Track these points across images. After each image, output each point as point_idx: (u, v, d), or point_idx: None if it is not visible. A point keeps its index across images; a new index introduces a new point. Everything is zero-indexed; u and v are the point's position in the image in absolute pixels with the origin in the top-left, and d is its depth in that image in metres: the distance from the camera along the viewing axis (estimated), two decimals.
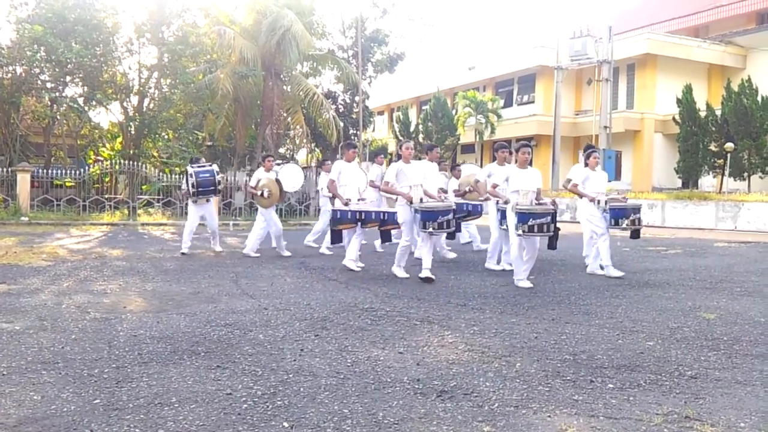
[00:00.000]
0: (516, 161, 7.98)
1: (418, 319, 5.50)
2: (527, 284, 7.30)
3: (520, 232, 7.22)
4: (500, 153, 8.92)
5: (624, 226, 8.30)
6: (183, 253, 10.31)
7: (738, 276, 8.27)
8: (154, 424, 3.08)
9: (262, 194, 10.26)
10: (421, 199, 7.90)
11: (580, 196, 8.61)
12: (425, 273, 7.65)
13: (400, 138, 36.89)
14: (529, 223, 7.15)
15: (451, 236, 9.21)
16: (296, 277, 7.99)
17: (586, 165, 8.62)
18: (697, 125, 25.19)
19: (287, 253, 10.39)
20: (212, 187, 10.38)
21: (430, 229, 7.52)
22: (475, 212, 10.59)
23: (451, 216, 7.73)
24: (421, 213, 7.56)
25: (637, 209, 8.47)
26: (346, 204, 8.40)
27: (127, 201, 19.77)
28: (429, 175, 8.50)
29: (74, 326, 5.07)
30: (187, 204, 12.59)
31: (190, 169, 10.38)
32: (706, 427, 3.10)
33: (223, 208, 21.24)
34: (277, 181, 10.49)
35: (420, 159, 9.48)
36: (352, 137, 28.93)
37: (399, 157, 8.22)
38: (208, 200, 10.68)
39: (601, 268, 8.35)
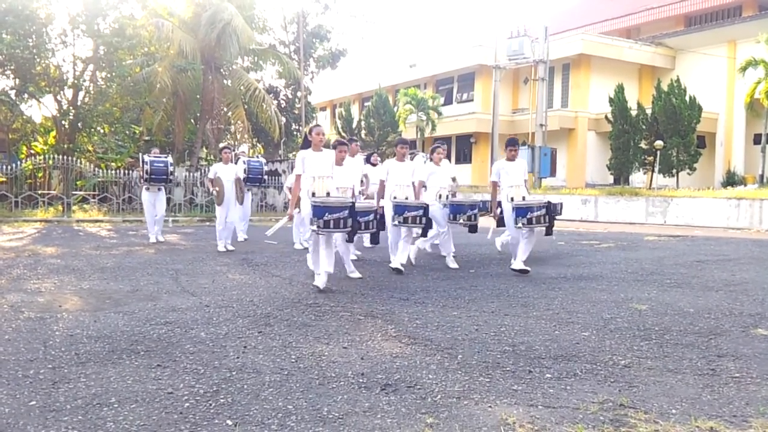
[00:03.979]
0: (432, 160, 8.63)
1: (362, 314, 5.54)
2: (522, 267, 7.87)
3: (520, 224, 7.73)
4: (398, 149, 8.78)
5: (461, 222, 8.64)
6: (152, 242, 11.37)
7: (668, 268, 8.61)
8: (93, 425, 3.02)
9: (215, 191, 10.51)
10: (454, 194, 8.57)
11: (416, 195, 8.46)
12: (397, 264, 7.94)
13: (343, 134, 36.84)
14: (528, 216, 7.68)
15: (473, 230, 8.94)
16: (239, 274, 7.91)
17: (431, 160, 8.83)
18: (629, 124, 26.03)
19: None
20: (164, 176, 11.34)
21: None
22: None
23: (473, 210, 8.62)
24: (450, 207, 8.33)
25: (474, 206, 8.78)
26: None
27: (61, 197, 19.12)
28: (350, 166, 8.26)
29: (7, 326, 4.90)
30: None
31: (145, 158, 11.33)
32: (639, 414, 3.23)
33: None
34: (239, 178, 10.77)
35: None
36: (294, 133, 28.77)
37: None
38: (159, 189, 11.63)
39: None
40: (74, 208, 18.85)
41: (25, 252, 9.84)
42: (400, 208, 7.83)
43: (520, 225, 7.74)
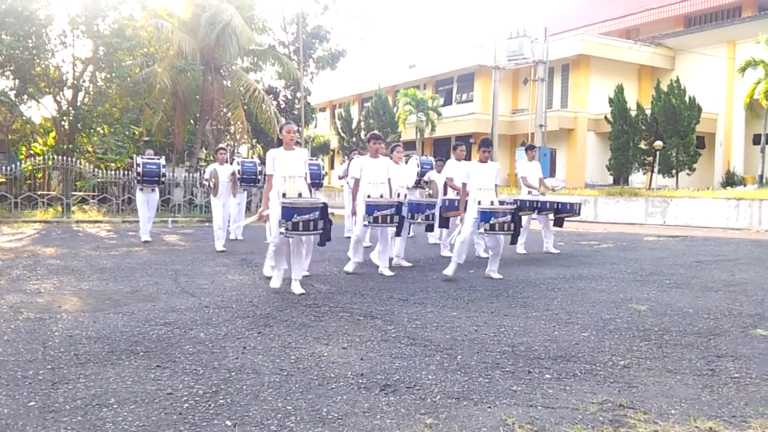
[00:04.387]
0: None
1: (362, 314, 5.54)
2: (449, 273, 7.62)
3: (482, 230, 7.41)
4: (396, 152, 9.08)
5: (419, 221, 8.68)
6: (145, 241, 11.59)
7: (667, 269, 8.61)
8: (93, 426, 3.02)
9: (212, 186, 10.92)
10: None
11: (353, 195, 8.46)
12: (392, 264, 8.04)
13: (343, 134, 36.89)
14: (491, 222, 7.34)
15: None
16: (238, 275, 7.91)
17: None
18: (628, 124, 26.01)
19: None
20: (156, 178, 11.67)
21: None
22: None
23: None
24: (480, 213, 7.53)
25: (432, 205, 8.95)
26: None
27: (60, 198, 19.09)
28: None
29: (7, 327, 4.90)
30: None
31: (138, 159, 11.70)
32: (639, 415, 3.23)
33: (162, 205, 20.77)
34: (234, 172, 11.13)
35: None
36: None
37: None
38: (153, 189, 11.96)
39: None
40: (74, 208, 18.83)
41: (25, 253, 9.84)
42: (370, 208, 7.64)
43: (482, 230, 7.42)
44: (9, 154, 21.56)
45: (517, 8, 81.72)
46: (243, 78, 23.78)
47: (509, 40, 28.32)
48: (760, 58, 24.75)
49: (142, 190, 11.82)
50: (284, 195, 6.50)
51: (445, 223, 9.67)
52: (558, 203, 10.38)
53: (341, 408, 3.29)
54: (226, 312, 5.58)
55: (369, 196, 7.81)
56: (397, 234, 8.24)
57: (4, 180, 18.90)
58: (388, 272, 7.91)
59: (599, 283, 7.38)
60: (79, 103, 20.38)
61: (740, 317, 5.51)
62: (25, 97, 19.88)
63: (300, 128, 27.35)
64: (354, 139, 35.62)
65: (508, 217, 7.39)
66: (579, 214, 10.86)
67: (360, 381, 3.72)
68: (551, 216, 10.52)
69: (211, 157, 24.25)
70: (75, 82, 20.32)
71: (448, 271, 7.64)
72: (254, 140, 28.48)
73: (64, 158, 19.21)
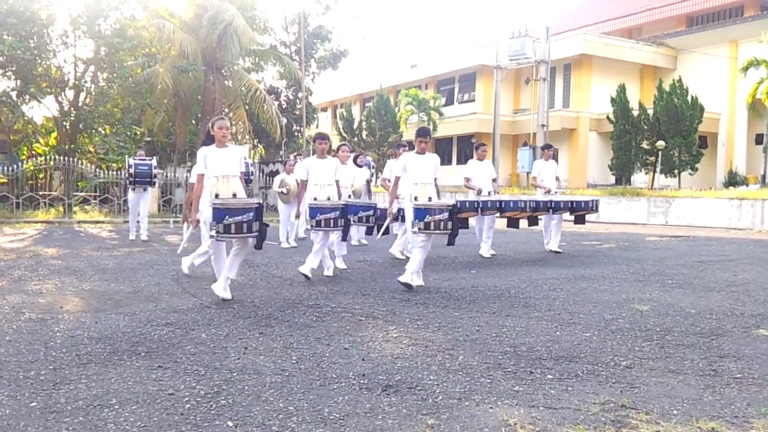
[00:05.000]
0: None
1: (363, 314, 5.53)
2: (407, 280, 6.78)
3: (416, 229, 6.76)
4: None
5: (353, 221, 8.15)
6: (131, 240, 11.96)
7: (669, 269, 8.60)
8: (94, 426, 3.01)
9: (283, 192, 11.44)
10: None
11: (298, 197, 8.08)
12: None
13: (344, 135, 36.86)
14: (426, 220, 6.70)
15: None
16: (239, 275, 7.89)
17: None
18: (630, 124, 26.01)
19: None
20: (148, 179, 12.05)
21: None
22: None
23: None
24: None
25: (369, 208, 8.35)
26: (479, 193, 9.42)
27: (62, 198, 19.15)
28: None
29: (8, 327, 4.90)
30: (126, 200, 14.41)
31: (130, 161, 12.10)
32: (641, 415, 3.22)
33: (163, 205, 20.80)
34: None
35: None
36: (295, 134, 28.77)
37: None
38: (144, 189, 12.24)
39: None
40: (75, 209, 18.87)
41: (27, 253, 9.85)
42: (313, 211, 7.22)
43: (415, 229, 6.76)
44: (11, 154, 21.60)
45: (518, 8, 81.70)
46: (244, 78, 23.81)
47: (511, 39, 28.31)
48: (763, 57, 24.73)
49: (134, 190, 12.15)
50: (217, 196, 6.05)
51: (464, 224, 9.52)
52: (573, 202, 10.38)
53: (343, 408, 3.29)
54: (228, 312, 5.58)
55: (315, 199, 7.38)
56: (343, 238, 7.76)
57: (6, 180, 18.95)
58: (342, 265, 7.76)
59: (601, 283, 7.37)
60: (80, 104, 20.42)
61: (743, 317, 5.50)
62: (27, 97, 19.94)
63: (301, 128, 27.37)
64: (356, 139, 35.61)
65: (445, 215, 6.74)
66: (597, 210, 10.92)
67: (362, 381, 3.71)
68: (568, 215, 10.55)
69: None
70: (76, 82, 20.36)
71: (404, 278, 6.78)
72: (256, 140, 28.51)
73: (66, 159, 19.24)
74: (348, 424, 3.08)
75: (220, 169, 6.16)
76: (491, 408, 3.32)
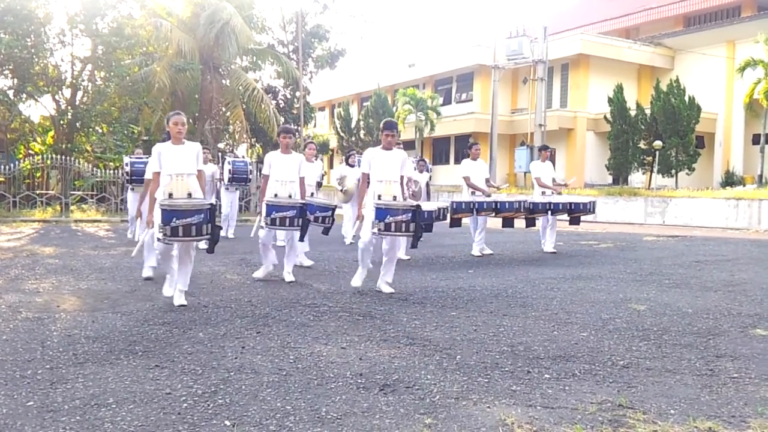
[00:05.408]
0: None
1: (361, 314, 5.53)
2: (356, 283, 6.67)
3: (376, 230, 6.38)
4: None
5: (311, 219, 7.79)
6: (129, 238, 11.83)
7: (666, 269, 8.61)
8: (91, 425, 3.01)
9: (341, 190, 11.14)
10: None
11: (261, 193, 7.67)
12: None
13: (342, 134, 36.88)
14: (387, 221, 6.31)
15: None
16: (237, 274, 7.90)
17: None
18: (628, 124, 26.03)
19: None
20: (144, 177, 11.74)
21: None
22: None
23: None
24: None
25: (326, 208, 8.15)
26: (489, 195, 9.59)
27: (59, 197, 19.09)
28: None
29: (5, 326, 4.89)
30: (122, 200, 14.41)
31: (127, 159, 12.11)
32: (638, 415, 3.22)
33: None
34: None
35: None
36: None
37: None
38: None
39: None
40: (72, 208, 18.83)
41: (23, 252, 9.83)
42: (269, 209, 6.92)
43: (375, 230, 6.33)
44: (7, 153, 21.55)
45: (516, 8, 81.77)
46: (242, 77, 23.77)
47: (508, 39, 28.29)
48: (760, 57, 24.77)
49: (132, 189, 12.01)
50: (171, 195, 5.73)
51: (457, 223, 9.72)
52: (571, 203, 10.40)
53: (340, 408, 3.29)
54: (225, 311, 5.57)
55: (276, 195, 7.05)
56: (300, 239, 7.42)
57: (2, 179, 18.89)
58: (290, 277, 7.27)
59: (598, 283, 7.38)
60: (77, 102, 20.37)
61: (739, 317, 5.51)
62: (24, 96, 19.89)
63: (299, 127, 27.33)
64: (353, 138, 35.61)
65: (408, 216, 6.31)
66: (594, 212, 10.94)
67: (359, 381, 3.71)
68: (565, 216, 10.59)
69: (210, 157, 24.25)
70: (74, 81, 20.32)
71: (356, 281, 6.72)
72: (253, 140, 28.46)
73: (63, 157, 19.20)
74: (345, 423, 3.08)
75: (175, 167, 5.81)
76: (488, 407, 3.32)
